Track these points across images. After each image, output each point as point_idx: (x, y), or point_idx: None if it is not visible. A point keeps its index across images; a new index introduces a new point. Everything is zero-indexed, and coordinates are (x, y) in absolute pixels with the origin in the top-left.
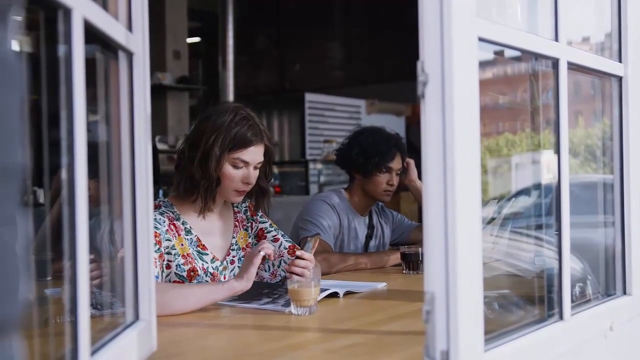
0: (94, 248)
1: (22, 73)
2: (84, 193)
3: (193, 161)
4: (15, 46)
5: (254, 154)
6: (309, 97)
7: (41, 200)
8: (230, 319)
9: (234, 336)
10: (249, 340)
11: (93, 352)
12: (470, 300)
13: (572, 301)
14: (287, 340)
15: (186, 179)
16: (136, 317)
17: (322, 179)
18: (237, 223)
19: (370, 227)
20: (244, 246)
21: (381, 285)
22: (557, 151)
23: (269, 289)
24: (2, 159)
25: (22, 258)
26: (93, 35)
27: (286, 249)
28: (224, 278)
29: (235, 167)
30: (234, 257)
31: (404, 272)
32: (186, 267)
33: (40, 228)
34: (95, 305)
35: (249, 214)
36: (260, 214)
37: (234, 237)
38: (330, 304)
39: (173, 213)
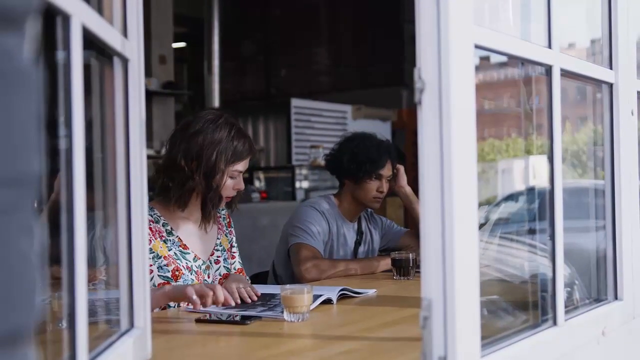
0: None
1: (38, 81)
2: (82, 200)
3: (193, 175)
4: (31, 54)
5: (247, 163)
6: (295, 102)
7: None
8: (224, 326)
9: (228, 344)
10: (243, 347)
11: None
12: (468, 306)
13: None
14: (281, 347)
15: (187, 192)
16: (131, 324)
17: (309, 184)
18: (220, 226)
19: (359, 233)
20: (227, 248)
21: (372, 292)
22: (550, 157)
23: (263, 300)
24: (21, 168)
25: (37, 266)
26: (89, 41)
27: (235, 269)
28: (208, 277)
29: (231, 177)
30: (218, 257)
31: (394, 277)
32: (170, 268)
33: None
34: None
35: (226, 222)
36: (232, 227)
37: (218, 238)
38: (322, 311)
39: (152, 216)
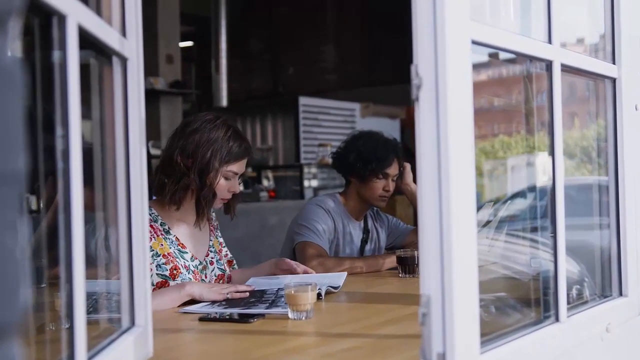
0: (88, 255)
1: (22, 79)
2: (79, 199)
3: (188, 172)
4: (14, 52)
5: (243, 166)
6: (302, 100)
7: (33, 207)
8: (227, 324)
9: (230, 341)
10: (245, 345)
11: (89, 358)
12: (466, 302)
13: (569, 303)
14: (284, 344)
15: (181, 189)
16: (132, 323)
17: (317, 183)
18: (212, 228)
19: (366, 231)
20: (218, 250)
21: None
22: (552, 153)
23: (257, 297)
24: (5, 165)
25: (22, 263)
26: (87, 40)
27: (221, 272)
28: (205, 277)
29: (226, 178)
30: (212, 258)
31: (400, 275)
32: (168, 267)
33: (35, 234)
34: (89, 311)
35: (216, 224)
36: (218, 230)
37: (210, 240)
38: (326, 309)
39: (150, 215)
